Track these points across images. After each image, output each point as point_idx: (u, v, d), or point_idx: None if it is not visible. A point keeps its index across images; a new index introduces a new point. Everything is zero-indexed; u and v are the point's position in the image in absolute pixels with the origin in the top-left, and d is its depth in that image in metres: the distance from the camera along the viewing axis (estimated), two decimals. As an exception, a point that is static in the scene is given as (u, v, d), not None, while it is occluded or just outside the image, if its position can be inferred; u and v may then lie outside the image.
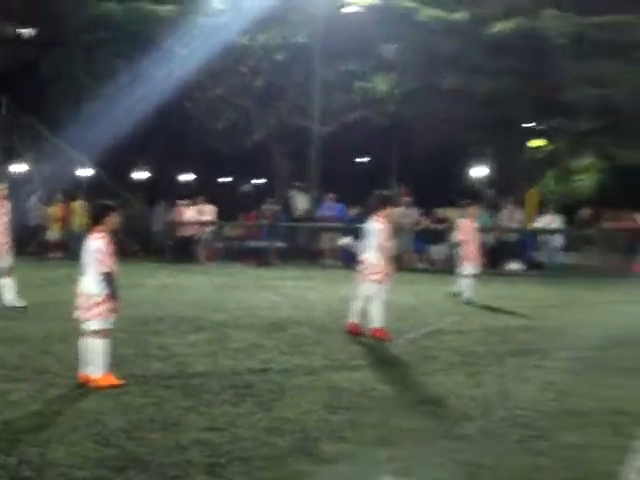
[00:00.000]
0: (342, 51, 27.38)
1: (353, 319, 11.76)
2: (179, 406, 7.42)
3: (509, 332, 12.36)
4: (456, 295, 16.57)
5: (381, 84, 27.95)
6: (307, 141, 28.31)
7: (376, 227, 11.65)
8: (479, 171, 34.42)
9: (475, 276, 16.70)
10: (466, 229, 17.07)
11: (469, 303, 15.94)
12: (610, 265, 23.12)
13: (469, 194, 22.34)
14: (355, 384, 8.41)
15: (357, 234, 16.01)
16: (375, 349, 10.68)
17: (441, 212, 26.56)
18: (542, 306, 16.11)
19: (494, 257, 23.91)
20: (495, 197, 29.25)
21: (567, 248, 25.71)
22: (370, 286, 11.55)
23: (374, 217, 11.77)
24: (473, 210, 17.70)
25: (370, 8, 27.41)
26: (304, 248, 27.35)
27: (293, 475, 5.67)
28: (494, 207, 27.20)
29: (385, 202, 12.07)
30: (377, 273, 11.52)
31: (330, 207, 27.41)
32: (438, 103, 27.03)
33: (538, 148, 30.28)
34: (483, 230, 20.21)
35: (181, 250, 26.89)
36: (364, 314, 11.63)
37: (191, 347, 10.40)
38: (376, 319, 11.44)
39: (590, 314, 14.88)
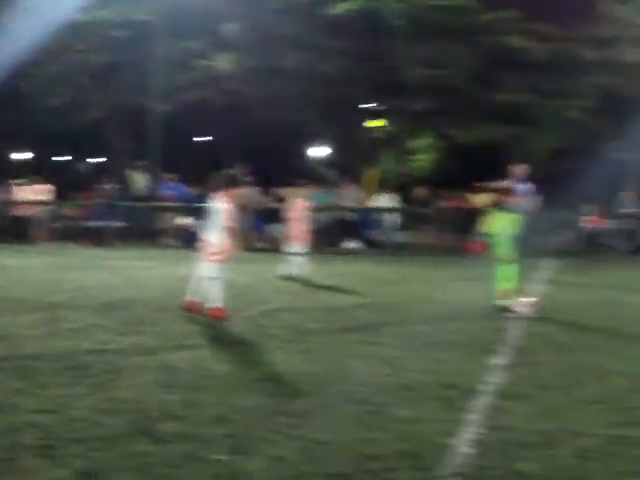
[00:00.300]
0: (184, 29, 27.14)
1: (191, 298, 11.73)
2: (11, 388, 7.23)
3: (346, 309, 12.57)
4: (286, 276, 16.67)
5: (222, 63, 27.85)
6: (146, 119, 27.97)
7: (221, 207, 11.58)
8: (320, 151, 34.79)
9: (304, 255, 16.92)
10: (298, 208, 17.28)
11: (298, 280, 16.13)
12: (445, 243, 23.75)
13: (304, 174, 22.58)
14: (192, 363, 8.38)
15: (197, 214, 15.98)
16: (212, 328, 10.67)
17: (280, 191, 26.68)
18: (379, 284, 16.45)
19: (332, 236, 24.22)
20: (335, 177, 29.58)
21: (404, 227, 26.29)
22: (211, 266, 11.51)
23: (219, 197, 11.70)
24: (305, 189, 17.97)
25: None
26: (144, 228, 27.06)
27: (129, 455, 5.61)
28: (334, 186, 27.51)
29: (231, 182, 12.02)
30: (219, 253, 11.50)
31: (170, 187, 27.21)
32: (278, 82, 27.16)
33: (377, 128, 30.77)
34: (319, 209, 20.45)
35: (16, 230, 26.20)
36: (203, 293, 11.60)
37: (25, 328, 10.13)
38: (215, 298, 11.42)
39: (425, 291, 15.28)
